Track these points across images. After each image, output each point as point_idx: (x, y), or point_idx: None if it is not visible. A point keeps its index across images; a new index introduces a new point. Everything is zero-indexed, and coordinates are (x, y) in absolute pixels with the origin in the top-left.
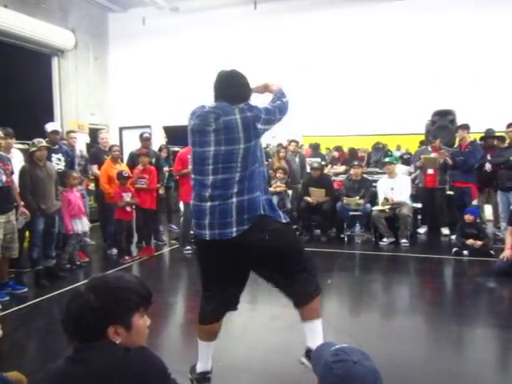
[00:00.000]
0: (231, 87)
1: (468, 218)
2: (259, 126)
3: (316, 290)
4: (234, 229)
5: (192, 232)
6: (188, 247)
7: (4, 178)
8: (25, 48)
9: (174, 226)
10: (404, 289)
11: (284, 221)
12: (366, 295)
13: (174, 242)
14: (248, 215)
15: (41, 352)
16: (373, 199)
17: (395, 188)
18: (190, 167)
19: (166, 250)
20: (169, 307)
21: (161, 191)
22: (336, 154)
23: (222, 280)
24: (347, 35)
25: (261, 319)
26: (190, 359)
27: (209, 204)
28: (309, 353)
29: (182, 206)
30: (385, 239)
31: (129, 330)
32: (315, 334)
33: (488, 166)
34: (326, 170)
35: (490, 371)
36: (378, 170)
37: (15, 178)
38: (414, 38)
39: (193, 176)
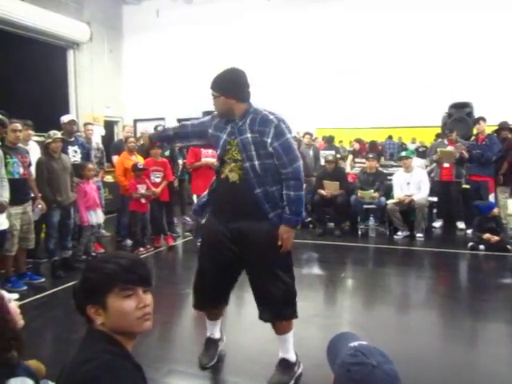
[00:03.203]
0: None
1: (495, 211)
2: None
3: None
4: None
5: None
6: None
7: (21, 170)
8: (40, 41)
9: (187, 218)
10: (418, 283)
11: None
12: (379, 289)
13: (187, 234)
14: None
15: (58, 341)
16: (387, 192)
17: (411, 182)
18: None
19: (179, 241)
20: (183, 298)
21: (175, 183)
22: (357, 146)
23: None
24: (362, 27)
25: None
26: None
27: None
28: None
29: (195, 198)
30: (399, 233)
31: (106, 311)
32: None
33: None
34: (348, 162)
35: (505, 366)
36: (393, 163)
37: (32, 169)
38: (431, 30)
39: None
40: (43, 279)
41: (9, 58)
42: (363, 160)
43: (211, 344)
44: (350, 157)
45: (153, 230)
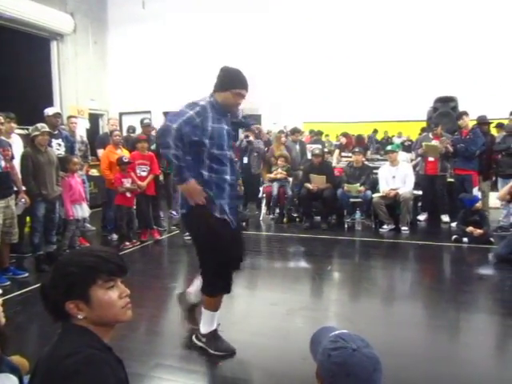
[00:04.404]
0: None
1: (478, 205)
2: None
3: (204, 290)
4: None
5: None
6: (188, 233)
7: (3, 163)
8: (23, 32)
9: (173, 213)
10: (404, 275)
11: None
12: (365, 281)
13: (174, 228)
14: None
15: (41, 336)
16: (373, 186)
17: (397, 176)
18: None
19: (166, 236)
20: (169, 293)
21: (160, 177)
22: (344, 140)
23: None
24: (349, 22)
25: (260, 305)
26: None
27: None
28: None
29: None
30: (385, 226)
31: (89, 304)
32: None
33: None
34: (335, 156)
35: (489, 357)
36: (378, 156)
37: (16, 162)
38: (416, 25)
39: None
40: (27, 274)
41: None
42: (349, 154)
43: (219, 335)
44: (337, 151)
45: (139, 224)
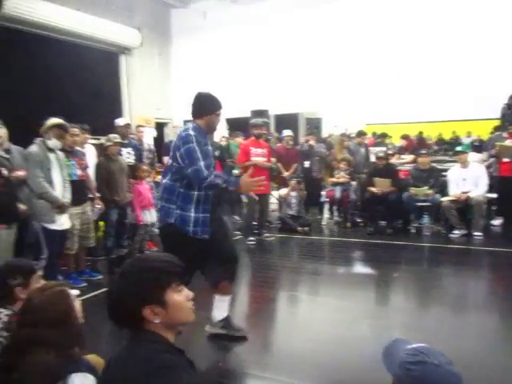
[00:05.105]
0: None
1: None
2: (177, 154)
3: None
4: None
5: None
6: (251, 238)
7: (79, 171)
8: (95, 48)
9: (236, 218)
10: (476, 284)
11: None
12: (435, 289)
13: (237, 233)
14: None
15: (115, 336)
16: (442, 189)
17: (468, 178)
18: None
19: None
20: (232, 297)
21: None
22: (404, 142)
23: None
24: (408, 18)
25: (323, 312)
26: (255, 349)
27: None
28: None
29: (244, 197)
30: (456, 231)
31: (165, 308)
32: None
33: None
34: (393, 160)
35: None
36: (447, 158)
37: (90, 171)
38: (486, 14)
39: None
40: (101, 276)
41: (65, 65)
42: (406, 157)
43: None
44: (397, 155)
45: None
